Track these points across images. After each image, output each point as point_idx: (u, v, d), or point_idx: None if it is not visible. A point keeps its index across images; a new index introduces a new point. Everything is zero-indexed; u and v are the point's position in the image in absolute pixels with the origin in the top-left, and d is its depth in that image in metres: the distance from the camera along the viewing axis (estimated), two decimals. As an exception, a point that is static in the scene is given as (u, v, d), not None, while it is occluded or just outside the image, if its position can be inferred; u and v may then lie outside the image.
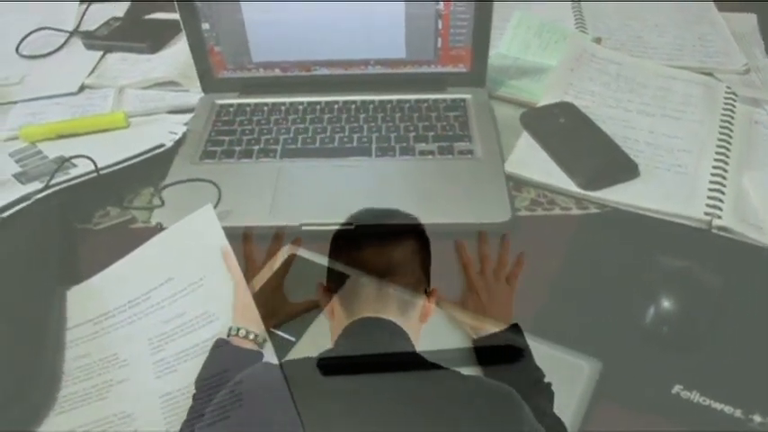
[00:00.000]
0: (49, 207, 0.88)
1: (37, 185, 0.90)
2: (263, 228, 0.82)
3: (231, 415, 0.66)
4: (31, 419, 0.70)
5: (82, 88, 1.11)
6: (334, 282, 0.68)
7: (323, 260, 0.79)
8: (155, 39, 1.17)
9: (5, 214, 0.85)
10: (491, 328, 0.71)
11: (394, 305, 0.65)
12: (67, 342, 0.77)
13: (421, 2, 0.95)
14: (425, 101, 1.01)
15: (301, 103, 1.01)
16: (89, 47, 1.19)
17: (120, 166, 0.89)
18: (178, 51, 1.15)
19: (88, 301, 0.79)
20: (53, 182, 0.89)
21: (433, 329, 0.72)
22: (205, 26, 0.97)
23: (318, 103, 1.01)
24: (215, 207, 0.83)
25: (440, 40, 0.98)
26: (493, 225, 0.84)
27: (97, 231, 0.88)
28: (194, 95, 1.06)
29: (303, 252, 0.83)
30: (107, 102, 1.07)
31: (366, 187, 0.88)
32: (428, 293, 0.68)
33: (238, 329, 0.72)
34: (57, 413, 0.72)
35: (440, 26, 0.97)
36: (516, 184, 0.91)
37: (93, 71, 1.14)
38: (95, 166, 0.86)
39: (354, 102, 1.01)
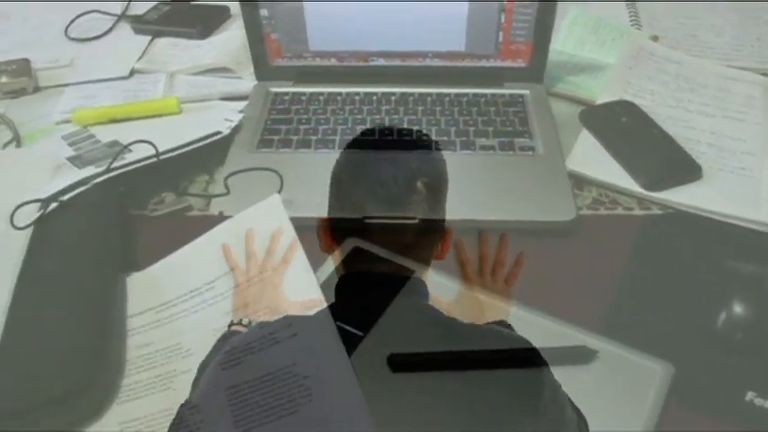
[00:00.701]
0: (106, 192, 0.86)
1: (93, 170, 0.89)
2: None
3: (300, 410, 0.65)
4: (97, 408, 0.69)
5: (132, 73, 1.10)
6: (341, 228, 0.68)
7: (384, 252, 0.78)
8: (204, 24, 1.15)
9: (65, 197, 0.83)
10: None
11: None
12: (129, 330, 0.75)
13: (486, -3, 0.93)
14: (483, 95, 0.99)
15: (357, 94, 0.99)
16: (138, 31, 1.17)
17: (179, 152, 0.88)
18: (229, 37, 1.13)
19: (149, 289, 0.78)
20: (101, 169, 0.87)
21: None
22: (263, 13, 0.96)
23: (375, 94, 0.99)
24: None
25: (501, 34, 0.97)
26: (557, 224, 0.82)
27: (153, 218, 0.87)
28: (247, 83, 1.05)
29: (366, 245, 0.81)
30: (158, 87, 1.06)
31: (427, 181, 0.87)
32: (445, 231, 0.68)
33: (240, 320, 0.71)
34: (121, 402, 0.71)
35: (502, 20, 0.96)
36: (577, 182, 0.90)
37: (142, 56, 1.13)
38: (156, 150, 0.85)
39: (412, 94, 0.99)
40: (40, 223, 0.82)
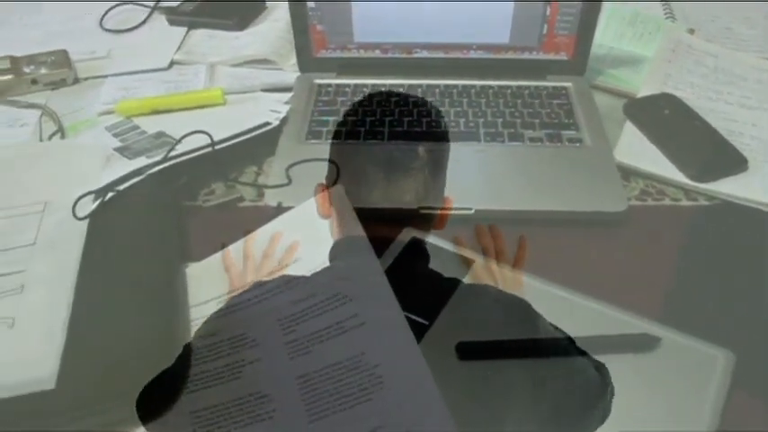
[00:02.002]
0: (160, 182, 0.86)
1: (144, 160, 0.89)
2: (381, 210, 0.80)
3: (373, 398, 0.65)
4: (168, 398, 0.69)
5: (171, 64, 1.09)
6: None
7: (442, 242, 0.79)
8: (241, 16, 1.15)
9: (121, 187, 0.83)
10: None
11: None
12: (192, 320, 0.76)
13: (533, -11, 0.94)
14: (527, 87, 1.00)
15: (402, 86, 1.00)
16: (173, 22, 1.17)
17: (231, 142, 0.88)
18: (267, 29, 1.13)
19: (210, 280, 0.79)
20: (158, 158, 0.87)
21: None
22: (310, 4, 0.96)
23: (419, 86, 1.00)
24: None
25: (545, 26, 0.98)
26: (608, 214, 0.84)
27: (206, 209, 0.87)
28: (288, 74, 1.06)
29: (424, 235, 0.82)
30: (199, 78, 1.06)
31: (478, 172, 0.88)
32: (444, 200, 0.71)
33: None
34: (189, 392, 0.71)
35: (548, 13, 0.96)
36: (623, 173, 0.91)
37: (180, 47, 1.13)
38: (212, 141, 0.85)
39: (455, 86, 1.00)
40: (96, 214, 0.81)
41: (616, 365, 0.72)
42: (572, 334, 0.73)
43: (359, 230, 0.72)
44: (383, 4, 0.96)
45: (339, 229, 0.72)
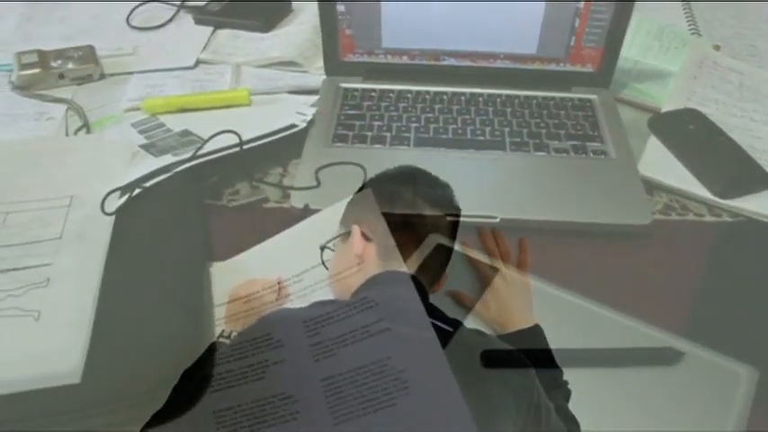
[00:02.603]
0: (186, 180, 0.87)
1: (170, 158, 0.89)
2: (404, 216, 0.80)
3: (398, 403, 0.65)
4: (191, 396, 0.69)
5: (197, 63, 1.10)
6: (380, 233, 0.70)
7: (467, 250, 0.79)
8: (267, 17, 1.16)
9: (148, 184, 0.83)
10: (515, 324, 0.72)
11: (427, 274, 0.69)
12: (216, 320, 0.76)
13: (563, 1, 0.94)
14: (552, 98, 1.00)
15: (428, 92, 1.00)
16: (199, 22, 1.18)
17: (257, 143, 0.88)
18: (294, 32, 1.14)
19: (235, 280, 0.79)
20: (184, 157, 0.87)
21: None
22: (340, 8, 0.96)
23: (445, 93, 1.00)
24: (359, 191, 0.82)
25: (573, 38, 0.98)
26: (633, 227, 0.84)
27: (231, 209, 0.88)
28: (314, 77, 1.06)
29: (449, 242, 0.82)
30: (225, 78, 1.06)
31: (505, 181, 0.88)
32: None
33: (231, 333, 0.73)
34: (213, 390, 0.71)
35: (576, 24, 0.96)
36: (647, 187, 0.91)
37: (206, 46, 1.13)
38: (240, 140, 0.85)
39: (481, 94, 1.00)
40: (122, 209, 0.82)
41: (639, 379, 0.72)
42: (595, 346, 0.73)
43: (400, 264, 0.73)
44: (414, 11, 0.96)
45: (379, 259, 0.72)
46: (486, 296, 0.76)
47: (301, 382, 0.68)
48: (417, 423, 0.66)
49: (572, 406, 0.66)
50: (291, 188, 0.85)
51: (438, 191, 0.76)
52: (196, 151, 0.84)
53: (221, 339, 0.73)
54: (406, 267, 0.69)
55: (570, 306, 0.78)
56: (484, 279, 0.77)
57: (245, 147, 0.89)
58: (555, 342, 0.74)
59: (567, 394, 0.68)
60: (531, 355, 0.69)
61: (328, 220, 0.79)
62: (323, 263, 0.74)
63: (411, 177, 0.77)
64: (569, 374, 0.72)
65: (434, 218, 0.71)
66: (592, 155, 0.92)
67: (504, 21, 0.97)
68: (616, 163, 0.91)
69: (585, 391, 0.69)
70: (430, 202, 0.72)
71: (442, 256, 0.72)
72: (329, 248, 0.74)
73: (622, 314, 0.77)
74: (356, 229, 0.71)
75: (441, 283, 0.73)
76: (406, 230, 0.70)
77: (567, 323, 0.77)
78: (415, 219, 0.71)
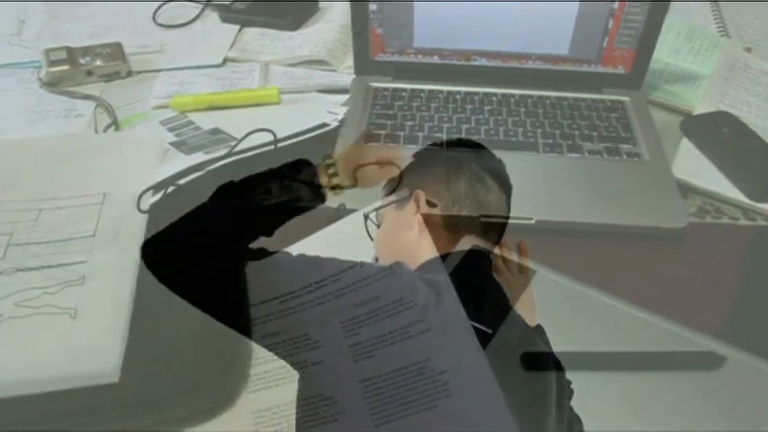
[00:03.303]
0: (217, 178, 0.86)
1: (202, 156, 0.89)
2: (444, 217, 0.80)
3: (439, 405, 0.65)
4: (230, 396, 0.69)
5: (225, 61, 1.09)
6: (451, 202, 0.69)
7: (503, 251, 0.79)
8: (295, 16, 1.16)
9: (181, 182, 0.83)
10: None
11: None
12: (252, 320, 0.75)
13: (597, 1, 0.93)
14: (583, 100, 1.00)
15: (459, 93, 1.00)
16: (225, 20, 1.17)
17: (291, 141, 0.88)
18: (321, 30, 1.13)
19: (270, 279, 0.78)
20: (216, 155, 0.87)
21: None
22: (372, 7, 0.96)
23: (476, 93, 1.00)
24: (395, 190, 0.82)
25: (606, 39, 0.98)
26: (668, 230, 0.83)
27: (264, 208, 0.86)
28: (343, 76, 1.06)
29: (484, 243, 0.82)
30: (253, 76, 1.06)
31: (540, 182, 0.88)
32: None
33: (332, 163, 0.70)
34: (251, 391, 0.71)
35: (610, 26, 0.96)
36: (681, 190, 0.90)
37: (233, 44, 1.12)
38: (275, 138, 0.85)
39: (512, 95, 1.00)
40: (155, 207, 0.81)
41: (680, 382, 0.71)
42: (635, 349, 0.73)
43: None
44: (446, 11, 0.96)
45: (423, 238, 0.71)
46: None
47: (341, 383, 0.68)
48: (459, 425, 0.66)
49: (614, 409, 0.66)
50: (327, 187, 0.84)
51: (500, 163, 0.75)
52: (232, 149, 0.84)
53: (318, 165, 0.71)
54: (469, 239, 0.67)
55: (608, 309, 0.77)
56: None
57: (269, 147, 0.88)
58: (594, 345, 0.73)
59: (570, 394, 0.67)
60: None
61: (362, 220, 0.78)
62: (367, 232, 0.72)
63: (474, 147, 0.75)
64: (609, 378, 0.71)
65: (498, 195, 0.70)
66: (625, 157, 0.91)
67: (537, 21, 0.96)
68: (650, 165, 0.90)
69: (625, 394, 0.69)
70: (493, 175, 0.70)
71: (502, 228, 0.71)
72: (372, 220, 0.73)
73: (661, 317, 0.76)
74: (420, 194, 0.70)
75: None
76: (472, 204, 0.68)
77: (605, 326, 0.76)
78: (481, 190, 0.69)
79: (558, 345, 0.72)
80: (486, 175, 0.72)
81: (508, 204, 0.72)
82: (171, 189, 0.82)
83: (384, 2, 0.96)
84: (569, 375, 0.70)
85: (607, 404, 0.68)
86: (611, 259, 0.82)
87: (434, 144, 0.78)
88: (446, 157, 0.73)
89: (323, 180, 0.70)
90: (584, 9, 0.94)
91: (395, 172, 0.72)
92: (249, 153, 0.86)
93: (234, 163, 0.86)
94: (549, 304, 0.76)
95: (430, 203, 0.69)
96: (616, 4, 0.94)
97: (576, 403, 0.66)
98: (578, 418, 0.66)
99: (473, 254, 0.74)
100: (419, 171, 0.75)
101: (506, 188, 0.73)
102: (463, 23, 0.97)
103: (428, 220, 0.70)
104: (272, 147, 0.85)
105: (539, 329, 0.71)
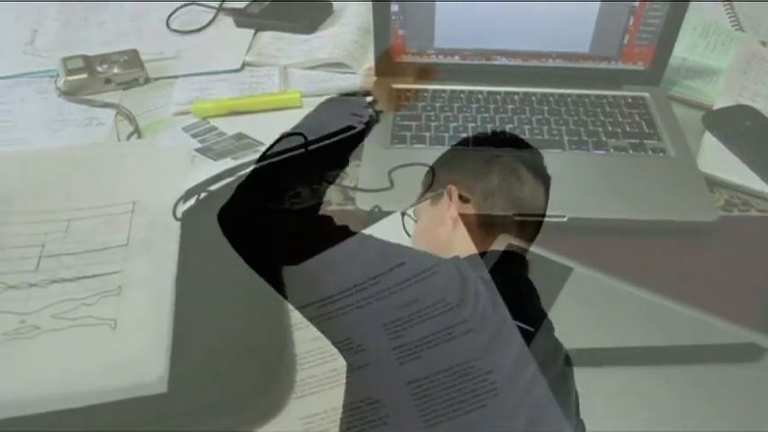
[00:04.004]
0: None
1: (230, 161, 0.88)
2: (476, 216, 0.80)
3: (488, 404, 0.65)
4: (278, 403, 0.69)
5: (243, 66, 1.08)
6: (485, 200, 0.69)
7: (538, 249, 0.79)
8: (311, 19, 1.15)
9: (213, 188, 0.82)
10: None
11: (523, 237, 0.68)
12: (293, 325, 0.75)
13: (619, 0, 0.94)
14: (604, 97, 1.00)
15: (480, 92, 1.00)
16: (240, 24, 1.17)
17: (321, 144, 0.87)
18: (338, 33, 1.13)
19: (308, 284, 0.78)
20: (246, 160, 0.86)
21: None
22: (394, 8, 0.96)
23: (498, 93, 1.00)
24: (428, 191, 0.82)
25: (627, 36, 0.98)
26: (699, 224, 0.84)
27: (295, 212, 0.86)
28: (363, 78, 1.05)
29: (520, 242, 0.82)
30: (272, 80, 1.06)
31: (568, 179, 0.88)
32: None
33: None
34: (297, 397, 0.70)
35: (630, 23, 0.96)
36: (708, 184, 0.90)
37: (249, 49, 1.12)
38: (306, 141, 0.84)
39: (534, 94, 1.00)
40: (188, 214, 0.81)
41: (720, 375, 0.72)
42: (675, 343, 0.73)
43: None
44: (468, 10, 0.96)
45: (458, 233, 0.71)
46: None
47: (387, 385, 0.67)
48: (510, 424, 0.66)
49: (655, 402, 0.66)
50: (363, 190, 0.84)
51: (537, 157, 0.74)
52: (265, 152, 0.83)
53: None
54: (505, 238, 0.67)
55: (645, 304, 0.77)
56: None
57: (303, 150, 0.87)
58: (633, 340, 0.73)
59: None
60: None
61: (400, 222, 0.78)
62: (405, 229, 0.72)
63: (511, 141, 0.75)
64: (648, 372, 0.71)
65: (534, 186, 0.70)
66: (651, 153, 0.92)
67: (558, 20, 0.97)
68: (675, 160, 0.91)
69: (667, 388, 0.69)
70: (528, 167, 0.70)
71: (539, 223, 0.70)
72: (410, 216, 0.73)
73: (699, 310, 0.76)
74: (453, 189, 0.69)
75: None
76: (505, 197, 0.68)
77: (643, 321, 0.77)
78: (516, 186, 0.69)
79: (596, 341, 0.72)
80: (520, 167, 0.71)
81: (546, 196, 0.71)
82: (203, 195, 0.81)
83: (406, 2, 0.95)
84: (610, 370, 0.70)
85: (648, 398, 0.68)
86: (644, 254, 0.83)
87: (477, 137, 0.77)
88: (478, 151, 0.73)
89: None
90: (606, 7, 0.95)
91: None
92: (281, 157, 0.84)
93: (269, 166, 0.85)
94: (586, 301, 0.76)
95: (463, 198, 0.69)
96: (637, 3, 0.94)
97: (616, 398, 0.67)
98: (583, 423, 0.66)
99: (509, 254, 0.74)
100: (453, 166, 0.75)
101: (543, 179, 0.72)
102: (484, 23, 0.97)
103: (463, 220, 0.70)
104: (303, 150, 0.84)
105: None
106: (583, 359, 0.71)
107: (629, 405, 0.69)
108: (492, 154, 0.72)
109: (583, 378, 0.70)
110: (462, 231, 0.73)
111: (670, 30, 0.97)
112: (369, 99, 0.98)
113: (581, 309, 0.77)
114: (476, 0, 0.96)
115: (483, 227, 0.72)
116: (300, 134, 0.66)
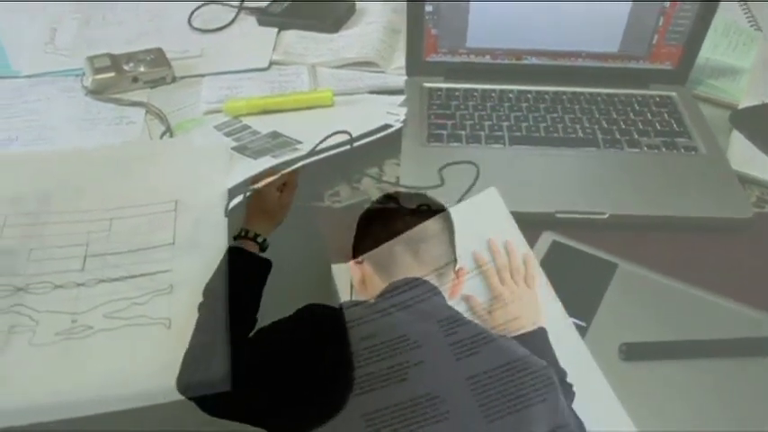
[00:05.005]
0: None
1: (270, 160, 0.88)
2: (518, 213, 0.80)
3: (548, 398, 0.66)
4: (337, 400, 0.68)
5: (270, 64, 1.08)
6: (366, 252, 0.71)
7: (582, 246, 0.80)
8: (334, 18, 1.15)
9: (258, 185, 0.82)
10: (520, 328, 0.73)
11: (430, 270, 0.69)
12: (348, 321, 0.75)
13: (651, 0, 0.95)
14: (633, 96, 1.02)
15: (511, 92, 1.01)
16: (262, 23, 1.17)
17: (363, 141, 0.88)
18: (363, 32, 1.13)
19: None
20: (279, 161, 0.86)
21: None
22: (428, 8, 0.96)
23: (529, 92, 1.01)
24: (470, 189, 0.83)
25: (656, 36, 0.99)
26: (735, 221, 0.86)
27: (337, 210, 0.87)
28: (393, 77, 1.06)
29: (564, 239, 0.83)
30: (301, 79, 1.05)
31: (605, 177, 0.90)
32: (456, 272, 0.72)
33: (247, 231, 0.75)
34: (356, 394, 0.70)
35: (660, 23, 0.98)
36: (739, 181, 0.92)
37: (275, 47, 1.12)
38: (351, 138, 0.85)
39: (564, 93, 1.01)
40: (234, 212, 0.80)
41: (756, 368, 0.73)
42: (717, 336, 0.74)
43: None
44: (501, 10, 0.97)
45: None
46: (492, 306, 0.76)
47: (446, 381, 0.68)
48: (571, 417, 0.66)
49: (697, 396, 0.70)
50: (417, 188, 0.84)
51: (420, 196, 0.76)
52: (312, 150, 0.83)
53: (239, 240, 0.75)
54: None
55: (687, 297, 0.79)
56: (492, 290, 0.76)
57: (341, 149, 0.88)
58: (677, 334, 0.74)
59: (572, 396, 0.69)
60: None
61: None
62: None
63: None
64: (694, 366, 0.73)
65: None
66: (683, 151, 0.93)
67: (589, 20, 0.98)
68: (707, 158, 0.93)
69: (712, 381, 0.71)
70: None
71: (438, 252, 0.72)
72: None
73: (741, 304, 0.78)
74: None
75: (459, 277, 0.73)
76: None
77: (686, 315, 0.78)
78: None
79: (641, 335, 0.74)
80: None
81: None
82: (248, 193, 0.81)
83: (440, 2, 0.96)
84: (657, 364, 0.71)
85: (695, 391, 0.71)
86: (684, 250, 0.84)
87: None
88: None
89: (254, 248, 0.74)
90: (637, 7, 0.96)
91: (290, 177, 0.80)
92: (324, 154, 0.84)
93: (308, 165, 0.85)
94: (629, 296, 0.78)
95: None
96: (668, 3, 0.95)
97: (666, 391, 0.70)
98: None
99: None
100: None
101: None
102: (516, 23, 0.98)
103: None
104: (345, 148, 0.85)
105: (542, 331, 0.73)
106: (634, 353, 0.71)
107: (672, 397, 0.70)
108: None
109: (634, 372, 0.72)
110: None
111: (699, 30, 0.99)
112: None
113: (621, 302, 0.78)
114: (510, 0, 0.95)
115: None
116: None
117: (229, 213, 0.81)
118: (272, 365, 0.64)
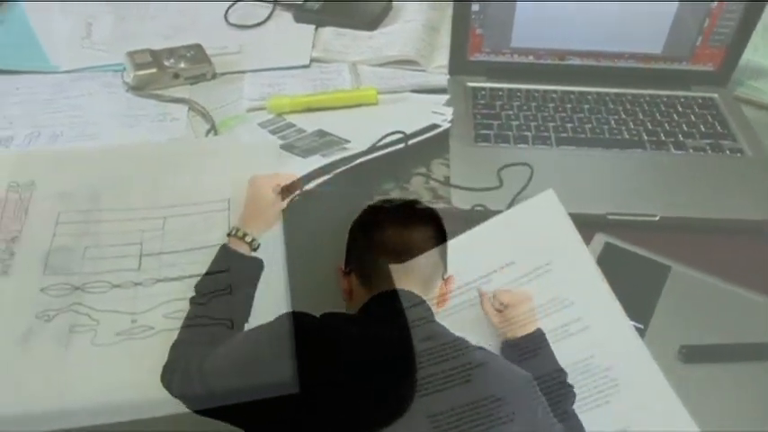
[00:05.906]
0: (346, 180, 0.85)
1: (320, 159, 0.88)
2: (570, 215, 0.81)
3: (612, 401, 0.66)
4: (401, 402, 0.68)
5: (310, 61, 1.08)
6: (353, 263, 0.70)
7: (634, 248, 0.80)
8: (372, 16, 1.15)
9: (310, 186, 0.82)
10: (517, 331, 0.72)
11: (415, 281, 0.67)
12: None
13: (697, 1, 0.95)
14: (676, 97, 1.02)
15: (555, 92, 1.01)
16: (299, 19, 1.16)
17: (418, 139, 0.88)
18: (404, 29, 1.13)
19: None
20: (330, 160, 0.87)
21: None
22: (474, 8, 0.96)
23: (572, 92, 1.01)
24: (523, 190, 0.83)
25: (700, 38, 0.99)
26: (784, 223, 0.85)
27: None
28: (434, 76, 1.06)
29: (617, 241, 0.83)
30: (342, 76, 1.05)
31: (654, 179, 0.90)
32: (445, 280, 0.70)
33: (237, 230, 0.74)
34: (421, 395, 0.70)
35: (705, 24, 0.98)
36: (783, 183, 0.93)
37: (314, 45, 1.11)
38: (405, 135, 0.84)
39: (607, 94, 1.01)
40: (287, 211, 0.80)
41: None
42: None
43: None
44: (546, 10, 0.97)
45: None
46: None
47: (509, 383, 0.68)
48: (636, 419, 0.67)
49: (757, 398, 0.71)
50: (471, 189, 0.84)
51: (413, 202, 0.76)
52: (370, 149, 0.83)
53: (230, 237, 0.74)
54: None
55: (743, 300, 0.79)
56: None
57: (387, 149, 0.88)
58: (734, 337, 0.75)
59: (572, 397, 0.69)
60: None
61: (510, 221, 0.78)
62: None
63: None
64: (753, 368, 0.73)
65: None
66: (728, 153, 0.94)
67: (634, 21, 0.98)
68: (753, 160, 0.93)
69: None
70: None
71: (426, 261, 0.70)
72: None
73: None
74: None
75: (447, 286, 0.72)
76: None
77: (743, 317, 0.78)
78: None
79: (698, 338, 0.75)
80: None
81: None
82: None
83: (487, 2, 0.95)
84: (716, 366, 0.71)
85: (754, 393, 0.72)
86: (734, 252, 0.85)
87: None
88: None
89: (245, 249, 0.73)
90: (683, 8, 0.96)
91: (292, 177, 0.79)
92: (376, 153, 0.84)
93: (361, 164, 0.85)
94: (685, 298, 0.78)
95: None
96: (715, 4, 0.95)
97: (725, 393, 0.71)
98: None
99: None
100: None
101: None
102: (560, 23, 0.98)
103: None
104: (401, 146, 0.84)
105: (540, 332, 0.72)
106: (694, 355, 0.72)
107: (732, 399, 0.70)
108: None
109: (693, 373, 0.72)
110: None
111: (743, 31, 0.98)
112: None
113: (670, 304, 0.78)
114: (557, 0, 0.95)
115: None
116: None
117: (284, 212, 0.80)
118: (232, 376, 0.64)
